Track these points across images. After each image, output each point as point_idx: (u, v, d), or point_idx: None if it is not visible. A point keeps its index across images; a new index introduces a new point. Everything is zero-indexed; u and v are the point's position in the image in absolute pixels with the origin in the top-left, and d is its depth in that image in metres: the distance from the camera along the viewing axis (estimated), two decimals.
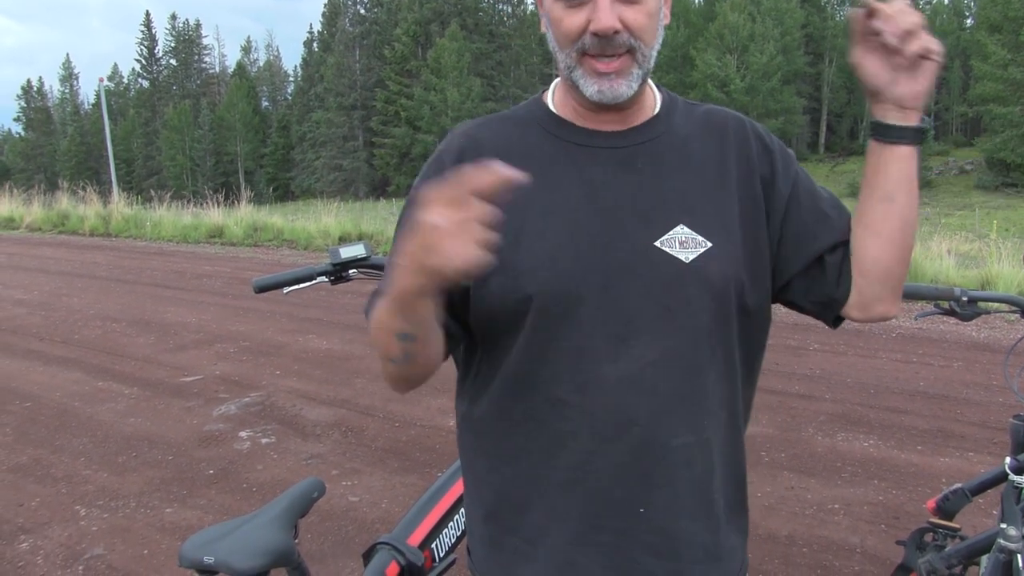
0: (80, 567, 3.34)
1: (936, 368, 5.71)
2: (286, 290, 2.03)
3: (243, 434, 4.73)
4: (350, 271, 2.04)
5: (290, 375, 5.87)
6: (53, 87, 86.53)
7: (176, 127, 69.67)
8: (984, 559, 2.02)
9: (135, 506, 3.88)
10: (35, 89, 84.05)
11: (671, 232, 1.13)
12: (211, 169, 69.80)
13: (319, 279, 2.02)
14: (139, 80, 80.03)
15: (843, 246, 1.21)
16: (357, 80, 68.35)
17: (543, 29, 1.18)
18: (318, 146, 69.49)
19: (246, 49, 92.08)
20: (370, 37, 69.09)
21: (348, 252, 1.99)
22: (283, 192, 70.24)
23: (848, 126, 64.98)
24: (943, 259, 9.37)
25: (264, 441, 4.63)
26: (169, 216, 15.80)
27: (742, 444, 1.25)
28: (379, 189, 65.75)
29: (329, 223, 13.97)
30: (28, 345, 7.02)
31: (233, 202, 16.90)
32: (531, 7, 70.42)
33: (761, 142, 1.22)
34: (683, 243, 1.13)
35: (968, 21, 64.40)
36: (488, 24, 67.70)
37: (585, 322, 1.11)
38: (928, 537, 2.15)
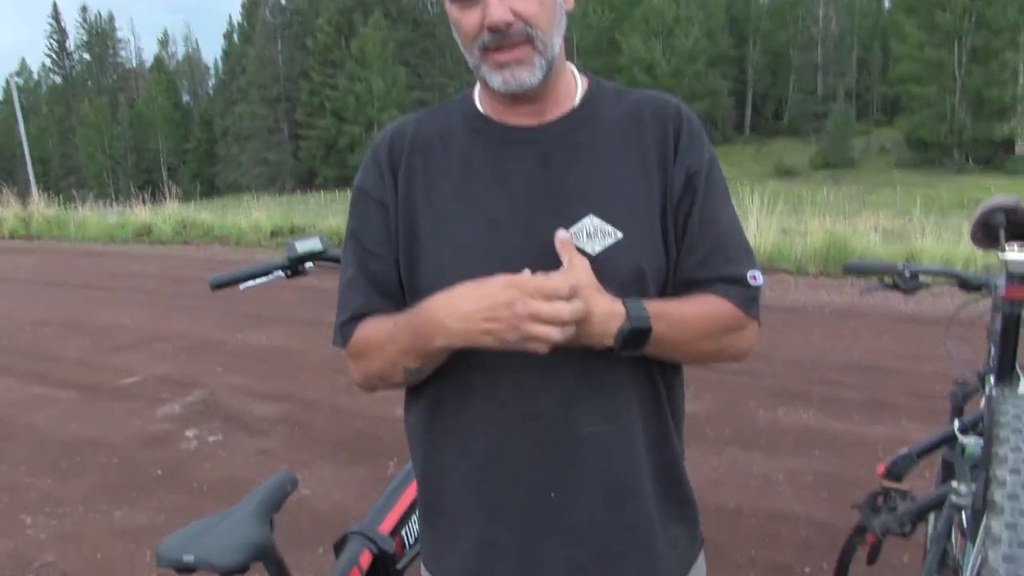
0: (31, 575, 3.28)
1: (867, 342, 5.92)
2: (243, 287, 2.00)
3: (189, 433, 4.66)
4: (306, 265, 2.02)
5: (232, 372, 5.80)
6: None
7: (93, 124, 67.61)
8: (932, 517, 2.13)
9: (83, 511, 3.81)
10: None
11: (579, 224, 1.14)
12: (133, 167, 67.96)
13: (276, 274, 2.00)
14: (51, 76, 77.35)
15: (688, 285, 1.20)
16: (280, 72, 67.20)
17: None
18: (242, 140, 68.16)
19: (163, 42, 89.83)
20: (292, 28, 67.94)
21: (304, 246, 1.98)
22: (208, 188, 68.72)
23: (773, 107, 66.32)
24: (870, 236, 9.70)
25: (211, 439, 4.58)
26: (93, 216, 15.37)
27: (671, 434, 1.25)
28: (306, 182, 64.84)
29: (260, 218, 13.77)
30: None
31: (159, 200, 16.52)
32: None
33: (691, 133, 1.21)
34: (591, 234, 1.14)
35: (886, 3, 66.28)
36: (412, 12, 67.19)
37: None
38: (880, 500, 2.27)
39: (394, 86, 60.49)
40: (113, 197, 19.13)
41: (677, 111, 1.22)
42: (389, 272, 1.23)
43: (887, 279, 2.20)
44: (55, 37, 75.98)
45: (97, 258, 12.00)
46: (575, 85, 1.25)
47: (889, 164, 50.35)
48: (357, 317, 1.24)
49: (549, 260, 1.10)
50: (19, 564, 3.39)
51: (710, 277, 1.18)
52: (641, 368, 1.18)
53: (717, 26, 58.23)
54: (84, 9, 77.80)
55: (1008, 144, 47.42)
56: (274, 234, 13.12)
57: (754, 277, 1.20)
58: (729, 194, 1.24)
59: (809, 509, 3.44)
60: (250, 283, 2.00)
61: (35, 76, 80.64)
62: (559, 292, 1.01)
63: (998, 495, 1.43)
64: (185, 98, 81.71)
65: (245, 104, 67.30)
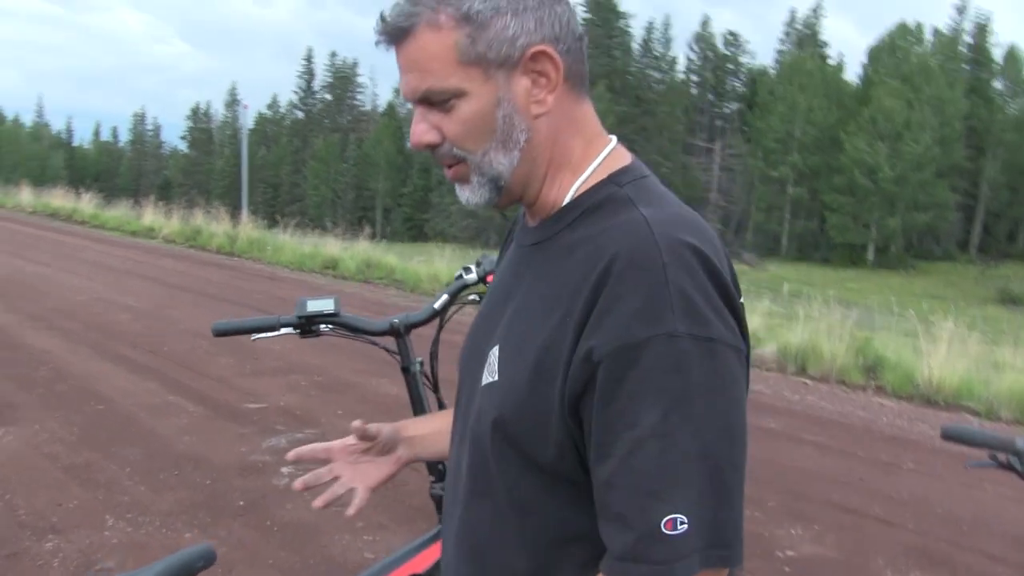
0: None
1: None
2: (253, 337, 1.96)
3: (284, 470, 4.65)
4: (320, 325, 1.93)
5: (351, 416, 5.80)
6: (218, 111, 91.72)
7: (323, 158, 72.65)
8: None
9: (158, 525, 3.86)
10: (202, 111, 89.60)
11: (490, 357, 1.05)
12: (351, 203, 72.26)
13: (284, 330, 1.93)
14: (294, 111, 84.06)
15: None
16: None
17: None
18: (455, 192, 70.99)
19: (398, 91, 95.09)
20: None
21: (315, 306, 1.90)
22: (417, 233, 71.84)
23: (1007, 228, 61.40)
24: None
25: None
26: (291, 242, 16.26)
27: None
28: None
29: (440, 268, 14.05)
30: (120, 350, 7.25)
31: (359, 236, 17.18)
32: (681, 75, 70.41)
33: (617, 297, 0.89)
34: (489, 365, 1.05)
35: None
36: (636, 88, 68.01)
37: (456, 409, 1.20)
38: None
39: None
40: (326, 228, 20.08)
41: (611, 260, 0.91)
42: None
43: (1000, 456, 1.75)
44: (304, 77, 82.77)
45: (279, 283, 12.62)
46: (566, 192, 1.06)
47: None
48: None
49: (477, 372, 1.08)
50: (83, 563, 3.50)
51: (601, 523, 0.93)
52: (496, 512, 1.05)
53: (952, 135, 54.86)
54: (333, 55, 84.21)
55: None
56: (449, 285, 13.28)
57: (635, 552, 0.86)
58: (680, 409, 0.86)
59: None
60: (260, 336, 1.97)
61: (282, 110, 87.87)
62: None
63: None
64: (409, 145, 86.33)
65: None
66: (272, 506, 4.15)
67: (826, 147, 56.00)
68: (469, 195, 1.05)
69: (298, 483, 1.38)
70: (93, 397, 5.80)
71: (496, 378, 1.01)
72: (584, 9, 67.88)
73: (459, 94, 0.97)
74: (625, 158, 1.07)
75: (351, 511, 1.40)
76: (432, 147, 1.02)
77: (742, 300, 0.97)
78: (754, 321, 8.96)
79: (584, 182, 1.04)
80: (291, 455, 1.37)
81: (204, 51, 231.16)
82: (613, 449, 0.88)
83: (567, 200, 1.04)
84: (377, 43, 1.00)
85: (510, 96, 0.99)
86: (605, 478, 0.89)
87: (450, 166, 1.04)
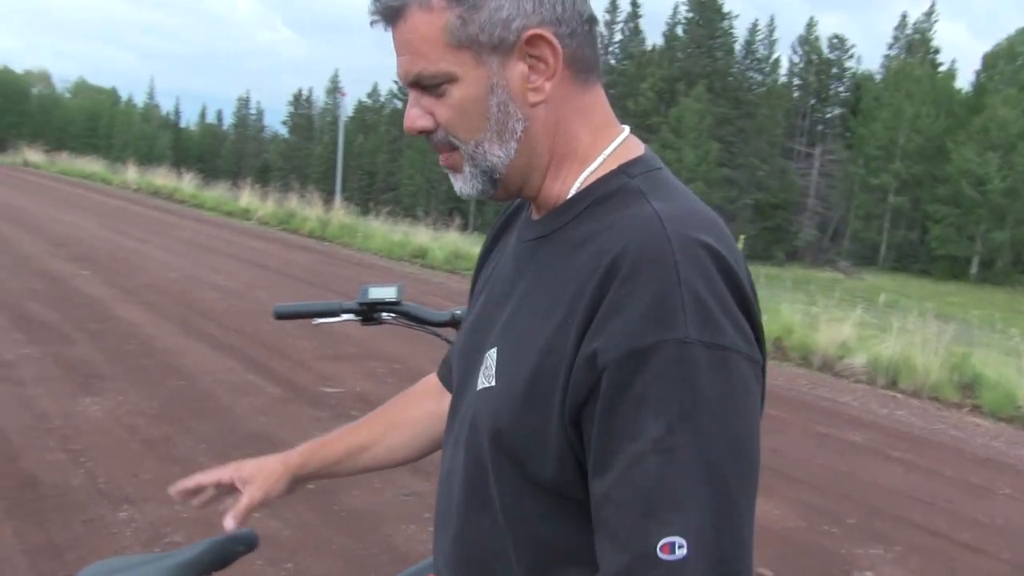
0: (156, 549, 3.39)
1: None
2: (316, 321, 1.94)
3: None
4: (382, 314, 1.89)
5: None
6: (320, 97, 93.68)
7: (420, 148, 73.37)
8: None
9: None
10: (304, 98, 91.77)
11: (487, 358, 0.99)
12: (444, 193, 72.91)
13: (345, 316, 1.90)
14: (394, 100, 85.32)
15: None
16: None
17: None
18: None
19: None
20: (616, 88, 69.99)
21: (377, 293, 1.86)
22: None
23: None
24: None
25: None
26: (382, 230, 16.44)
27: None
28: None
29: None
30: (206, 328, 7.44)
31: (450, 226, 17.22)
32: (783, 78, 68.82)
33: (625, 294, 0.83)
34: (486, 368, 0.99)
35: None
36: (735, 90, 66.76)
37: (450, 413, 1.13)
38: None
39: (705, 159, 60.20)
40: (418, 217, 20.25)
41: (618, 256, 0.85)
42: None
43: None
44: None
45: (366, 270, 12.74)
46: (570, 185, 0.99)
47: None
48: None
49: (472, 374, 1.03)
50: (154, 535, 3.58)
51: (597, 538, 0.87)
52: (491, 520, 0.99)
53: None
54: None
55: None
56: None
57: (628, 574, 0.81)
58: (687, 422, 0.80)
59: None
60: (323, 320, 1.95)
61: (382, 99, 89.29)
62: None
63: None
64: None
65: None
66: (340, 492, 4.16)
67: (931, 156, 53.95)
68: (462, 185, 0.99)
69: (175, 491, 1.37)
70: (176, 372, 5.96)
71: (493, 383, 0.96)
72: (687, 8, 66.92)
73: (450, 79, 0.93)
74: (637, 148, 1.01)
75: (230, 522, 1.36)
76: (426, 133, 0.97)
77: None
78: (844, 331, 8.64)
79: (592, 173, 0.98)
80: (174, 490, 1.34)
81: (308, 38, 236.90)
82: (614, 461, 0.83)
83: (573, 192, 0.99)
84: (372, 23, 0.96)
85: (504, 83, 0.93)
86: (603, 491, 0.84)
87: (446, 152, 0.99)
